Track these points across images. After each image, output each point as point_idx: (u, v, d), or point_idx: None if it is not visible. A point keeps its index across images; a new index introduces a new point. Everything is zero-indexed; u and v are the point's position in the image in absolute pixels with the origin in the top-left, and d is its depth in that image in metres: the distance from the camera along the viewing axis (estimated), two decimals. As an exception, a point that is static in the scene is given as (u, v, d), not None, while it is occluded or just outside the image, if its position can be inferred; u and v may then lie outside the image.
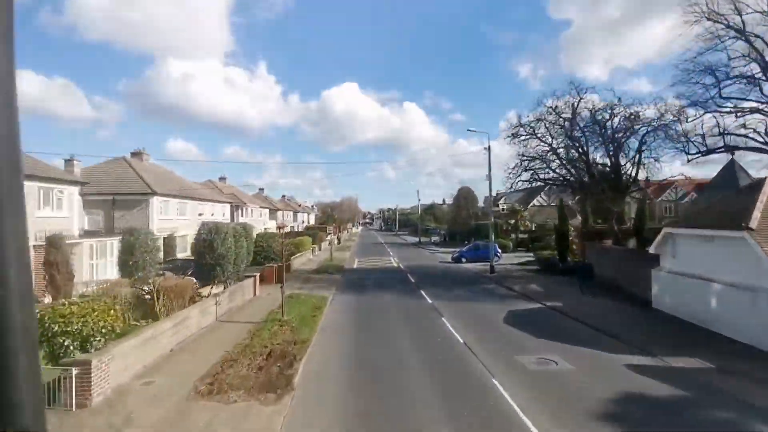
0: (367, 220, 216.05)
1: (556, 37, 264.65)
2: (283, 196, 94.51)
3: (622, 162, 26.89)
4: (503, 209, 58.99)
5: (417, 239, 70.23)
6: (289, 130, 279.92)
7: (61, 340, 9.11)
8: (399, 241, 74.47)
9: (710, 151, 22.79)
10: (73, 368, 8.38)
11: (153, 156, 40.29)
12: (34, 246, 17.20)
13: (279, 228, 71.34)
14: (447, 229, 65.50)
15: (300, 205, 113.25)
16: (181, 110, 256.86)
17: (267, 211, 62.03)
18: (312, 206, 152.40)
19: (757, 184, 15.16)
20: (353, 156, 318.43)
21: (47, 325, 9.07)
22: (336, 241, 58.91)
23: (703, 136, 22.62)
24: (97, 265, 22.33)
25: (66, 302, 10.53)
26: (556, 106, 27.86)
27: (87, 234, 23.24)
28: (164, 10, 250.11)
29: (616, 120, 26.50)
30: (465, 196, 61.07)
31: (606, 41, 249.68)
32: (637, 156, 25.96)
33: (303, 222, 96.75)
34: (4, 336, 0.82)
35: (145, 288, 14.71)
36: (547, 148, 28.94)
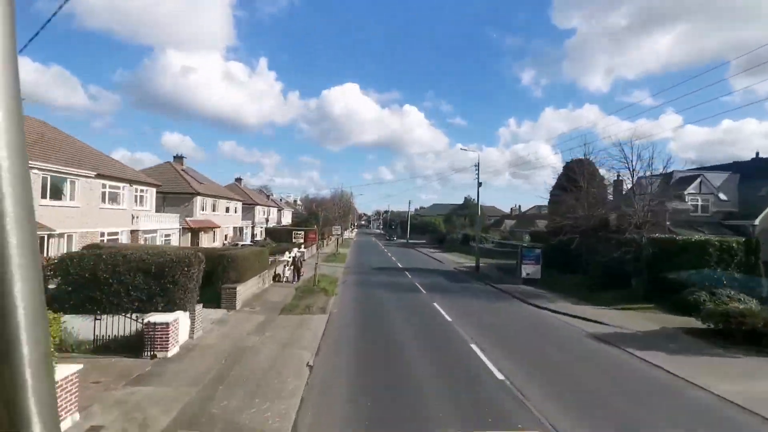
0: (363, 222, 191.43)
1: (560, 45, 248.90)
2: (239, 179, 60.65)
3: None
4: (706, 203, 25.53)
5: (466, 261, 36.92)
6: (287, 128, 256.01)
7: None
8: (430, 262, 40.69)
9: None
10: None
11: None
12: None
13: (190, 230, 35.97)
14: (537, 243, 31.70)
15: (271, 198, 79.51)
16: (179, 103, 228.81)
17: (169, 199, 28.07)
18: (295, 201, 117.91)
19: None
20: (351, 156, 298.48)
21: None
22: (291, 275, 23.59)
23: None
24: None
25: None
26: None
27: None
28: (166, 1, 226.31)
29: None
30: (590, 175, 27.34)
31: (609, 51, 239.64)
32: None
33: (267, 221, 62.92)
34: (14, 344, 0.83)
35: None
36: None
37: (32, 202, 0.87)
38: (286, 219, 79.21)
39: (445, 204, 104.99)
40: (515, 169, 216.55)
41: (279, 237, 48.42)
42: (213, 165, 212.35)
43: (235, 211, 46.42)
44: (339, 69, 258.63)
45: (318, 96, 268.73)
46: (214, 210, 39.02)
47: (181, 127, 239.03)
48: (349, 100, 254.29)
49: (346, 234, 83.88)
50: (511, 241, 45.97)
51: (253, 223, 54.82)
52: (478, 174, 32.51)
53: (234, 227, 45.66)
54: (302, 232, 34.94)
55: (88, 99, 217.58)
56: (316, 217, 60.25)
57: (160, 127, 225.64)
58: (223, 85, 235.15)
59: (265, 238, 51.03)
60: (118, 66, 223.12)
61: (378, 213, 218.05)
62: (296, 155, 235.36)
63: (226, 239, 41.47)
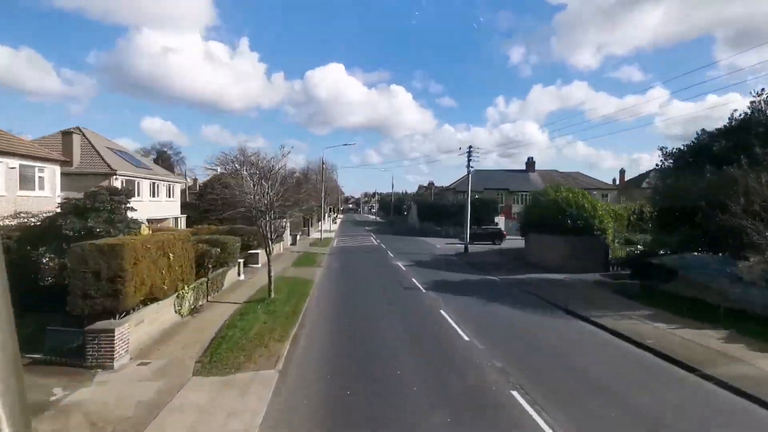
0: (351, 206, 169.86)
1: (549, 20, 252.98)
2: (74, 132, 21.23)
3: None
4: None
5: None
6: (272, 111, 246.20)
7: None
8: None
9: None
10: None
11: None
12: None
13: None
14: None
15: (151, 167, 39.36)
16: (159, 86, 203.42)
17: None
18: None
19: None
20: (338, 139, 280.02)
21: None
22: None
23: None
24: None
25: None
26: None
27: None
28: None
29: None
30: None
31: (600, 26, 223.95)
32: None
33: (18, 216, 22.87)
34: None
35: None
36: None
37: None
38: (169, 208, 36.91)
39: (497, 171, 58.19)
40: (503, 148, 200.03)
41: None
42: (196, 150, 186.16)
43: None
44: (324, 49, 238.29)
45: (302, 78, 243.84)
46: None
47: (162, 112, 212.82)
48: (335, 81, 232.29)
49: (320, 226, 44.92)
50: None
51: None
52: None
53: None
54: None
55: (62, 83, 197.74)
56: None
57: (139, 111, 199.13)
58: (205, 66, 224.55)
59: None
60: (92, 48, 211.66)
61: (367, 195, 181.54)
62: (282, 138, 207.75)
63: None
